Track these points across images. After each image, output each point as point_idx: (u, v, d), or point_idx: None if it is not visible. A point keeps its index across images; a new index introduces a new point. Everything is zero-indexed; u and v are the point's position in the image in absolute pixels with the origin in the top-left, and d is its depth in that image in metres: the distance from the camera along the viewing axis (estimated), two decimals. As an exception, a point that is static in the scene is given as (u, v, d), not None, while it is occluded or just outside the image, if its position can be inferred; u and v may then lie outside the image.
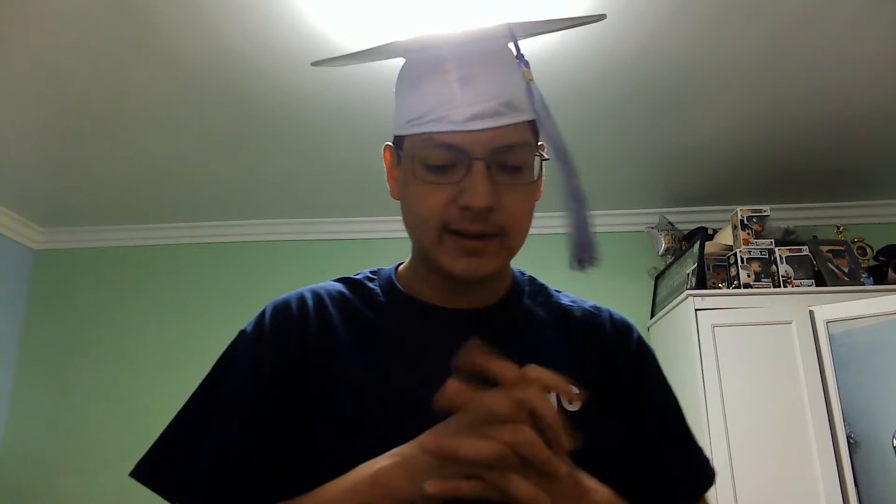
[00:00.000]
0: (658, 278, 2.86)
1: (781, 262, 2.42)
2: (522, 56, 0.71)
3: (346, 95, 2.05)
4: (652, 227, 2.88)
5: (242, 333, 0.80)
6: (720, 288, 2.49)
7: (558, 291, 0.89)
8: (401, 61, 0.79)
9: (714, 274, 2.54)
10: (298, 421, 0.72)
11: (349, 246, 3.02)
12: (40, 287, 3.04)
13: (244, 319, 0.82)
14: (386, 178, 0.82)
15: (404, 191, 0.76)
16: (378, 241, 3.01)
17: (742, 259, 2.44)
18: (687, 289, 2.42)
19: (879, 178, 2.73)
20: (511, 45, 0.73)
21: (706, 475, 0.84)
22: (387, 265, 0.88)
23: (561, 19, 0.78)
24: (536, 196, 0.77)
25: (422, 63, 0.74)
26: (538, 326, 0.82)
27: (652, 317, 2.80)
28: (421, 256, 0.80)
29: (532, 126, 0.75)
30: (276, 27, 1.75)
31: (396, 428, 0.66)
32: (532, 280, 0.88)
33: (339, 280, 0.85)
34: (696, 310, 2.34)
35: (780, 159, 2.55)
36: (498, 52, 0.73)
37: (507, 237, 0.73)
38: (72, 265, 3.06)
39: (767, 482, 2.13)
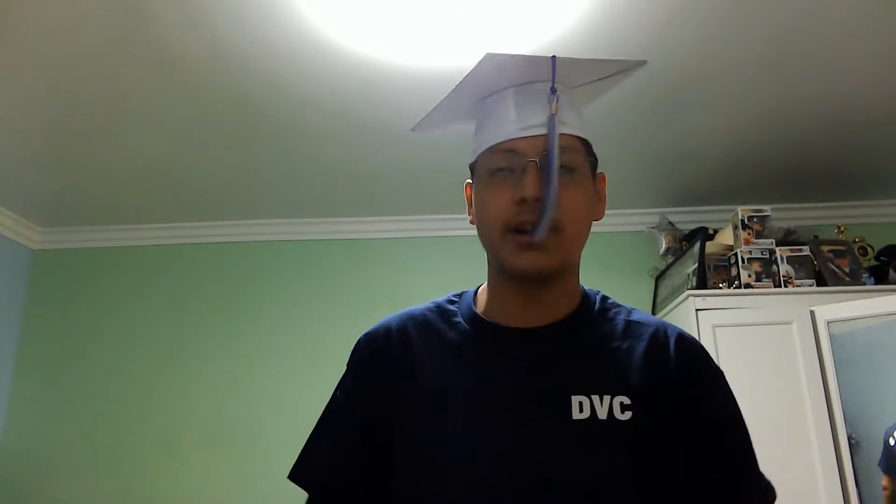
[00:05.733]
0: (659, 278, 2.86)
1: (782, 262, 2.42)
2: (555, 90, 0.82)
3: (345, 96, 2.05)
4: (653, 227, 2.88)
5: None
6: (721, 288, 2.49)
7: (632, 309, 0.92)
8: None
9: (715, 274, 2.54)
10: (387, 439, 0.82)
11: (348, 246, 3.01)
12: (39, 287, 3.03)
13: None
14: (468, 212, 0.91)
15: (475, 207, 0.87)
16: (377, 242, 2.99)
17: (743, 259, 2.43)
18: (688, 289, 2.42)
19: (880, 178, 2.73)
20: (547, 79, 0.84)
21: (764, 498, 0.88)
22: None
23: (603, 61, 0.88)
24: (594, 201, 0.88)
25: (487, 103, 0.87)
26: (602, 340, 0.85)
27: (652, 317, 2.79)
28: (495, 267, 0.87)
29: (582, 141, 0.86)
30: (276, 27, 1.75)
31: (465, 436, 0.77)
32: (605, 298, 0.92)
33: (431, 303, 0.94)
34: (697, 310, 2.34)
35: (780, 159, 2.55)
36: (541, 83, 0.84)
37: (562, 232, 0.80)
38: (71, 265, 3.06)
39: (768, 482, 2.13)
